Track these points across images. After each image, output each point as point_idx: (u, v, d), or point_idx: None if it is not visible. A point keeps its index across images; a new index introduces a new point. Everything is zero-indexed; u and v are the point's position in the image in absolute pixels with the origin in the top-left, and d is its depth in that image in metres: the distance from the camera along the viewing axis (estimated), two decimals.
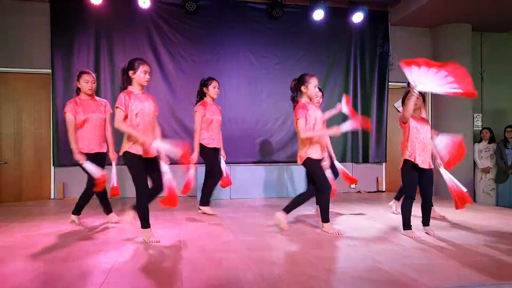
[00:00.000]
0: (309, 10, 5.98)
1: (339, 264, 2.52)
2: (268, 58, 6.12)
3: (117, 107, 2.83)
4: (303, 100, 3.38)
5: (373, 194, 6.27)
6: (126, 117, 2.86)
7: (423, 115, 3.46)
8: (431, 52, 6.64)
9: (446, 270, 2.32)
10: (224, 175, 4.17)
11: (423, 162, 3.13)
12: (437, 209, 4.11)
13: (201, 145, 4.03)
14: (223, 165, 4.21)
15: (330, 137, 4.18)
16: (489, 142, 6.16)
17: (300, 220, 3.86)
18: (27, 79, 5.53)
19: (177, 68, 5.82)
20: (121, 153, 2.93)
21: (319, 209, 3.54)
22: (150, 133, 2.97)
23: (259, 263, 2.45)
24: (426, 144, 3.18)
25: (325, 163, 3.40)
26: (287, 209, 3.42)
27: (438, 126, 5.91)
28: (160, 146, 2.92)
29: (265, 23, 6.10)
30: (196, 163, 4.12)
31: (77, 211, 3.64)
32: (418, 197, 3.26)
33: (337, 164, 4.28)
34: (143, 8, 5.47)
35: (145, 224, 2.96)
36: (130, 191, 2.98)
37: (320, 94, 4.07)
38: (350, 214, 4.32)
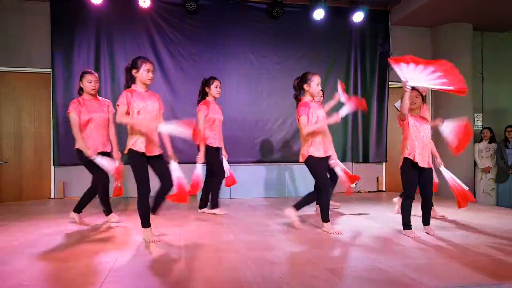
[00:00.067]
0: (310, 9, 5.96)
1: (339, 264, 2.52)
2: (268, 57, 6.12)
3: (118, 105, 2.84)
4: (306, 98, 3.38)
5: (373, 194, 6.26)
6: (127, 114, 2.87)
7: (427, 115, 3.46)
8: (432, 51, 6.62)
9: (446, 270, 2.32)
10: (228, 174, 4.17)
11: (422, 160, 3.13)
12: (437, 209, 4.11)
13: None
14: (225, 164, 4.20)
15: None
16: (490, 142, 6.16)
17: (300, 220, 3.84)
18: (27, 78, 5.53)
19: (177, 67, 5.82)
20: (125, 151, 2.93)
21: (319, 209, 3.54)
22: (154, 131, 2.97)
23: (259, 263, 2.44)
24: (426, 143, 3.18)
25: (333, 161, 3.39)
26: (297, 206, 3.45)
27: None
28: (167, 129, 2.88)
29: (265, 23, 6.09)
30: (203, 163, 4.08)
31: (79, 209, 3.65)
32: (418, 197, 3.26)
33: (338, 162, 4.26)
34: (143, 7, 5.46)
35: (146, 223, 2.96)
36: (133, 190, 2.97)
37: (321, 93, 4.07)
38: (350, 214, 4.32)
